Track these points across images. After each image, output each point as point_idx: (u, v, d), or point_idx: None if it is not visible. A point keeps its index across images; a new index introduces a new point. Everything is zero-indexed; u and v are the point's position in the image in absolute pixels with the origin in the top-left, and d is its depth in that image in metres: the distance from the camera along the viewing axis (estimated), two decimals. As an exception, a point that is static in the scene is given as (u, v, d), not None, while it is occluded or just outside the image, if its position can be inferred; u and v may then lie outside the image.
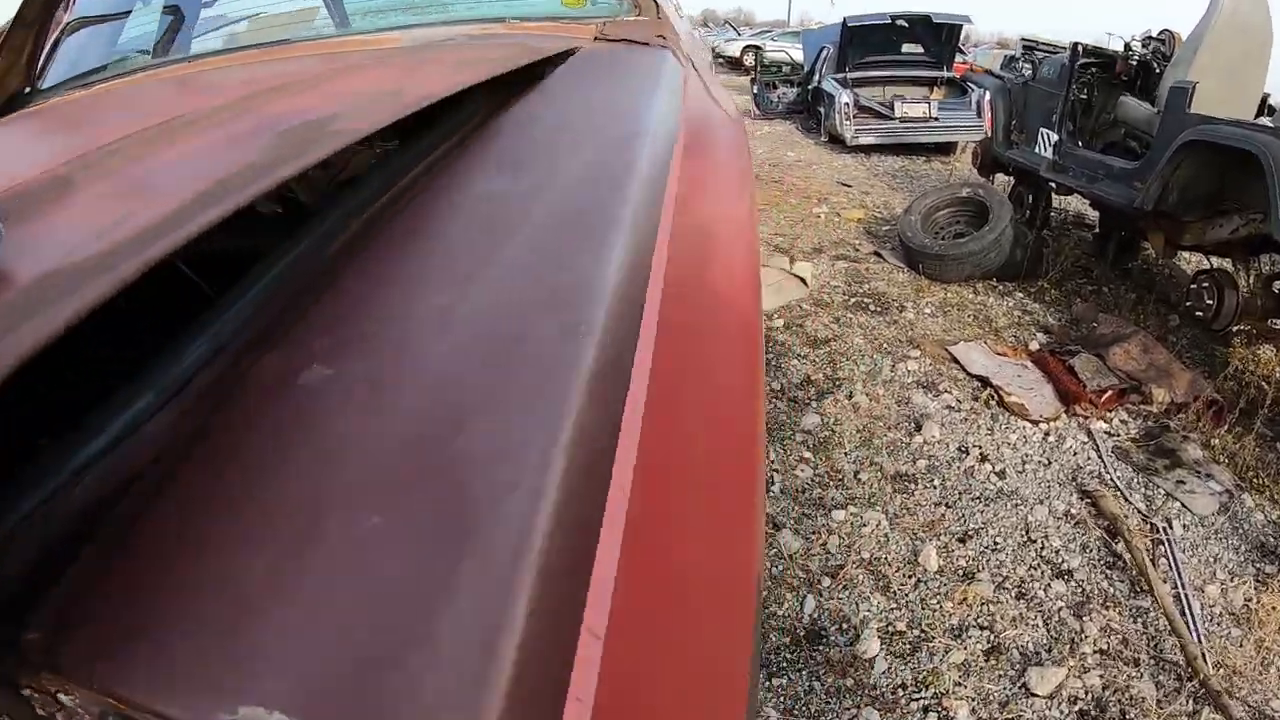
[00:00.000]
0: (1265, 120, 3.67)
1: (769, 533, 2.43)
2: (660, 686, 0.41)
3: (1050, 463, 2.85)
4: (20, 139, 1.13)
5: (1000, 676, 1.93)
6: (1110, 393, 3.19)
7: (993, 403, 3.23)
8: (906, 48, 9.69)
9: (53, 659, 0.33)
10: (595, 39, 1.64)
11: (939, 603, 2.17)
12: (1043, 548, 2.41)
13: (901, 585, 2.24)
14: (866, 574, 2.28)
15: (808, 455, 2.87)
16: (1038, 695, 1.88)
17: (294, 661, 0.32)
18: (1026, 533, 2.47)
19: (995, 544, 2.42)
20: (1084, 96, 4.60)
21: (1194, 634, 2.04)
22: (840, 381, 3.42)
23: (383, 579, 0.34)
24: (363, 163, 1.05)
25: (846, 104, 8.83)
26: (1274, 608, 2.14)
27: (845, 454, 2.88)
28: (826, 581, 2.25)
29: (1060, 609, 2.15)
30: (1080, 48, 4.53)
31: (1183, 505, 2.61)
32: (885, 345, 3.77)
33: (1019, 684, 1.91)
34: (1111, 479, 2.75)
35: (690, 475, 0.56)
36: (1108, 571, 2.31)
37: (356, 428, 0.43)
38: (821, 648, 2.02)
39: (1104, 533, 2.46)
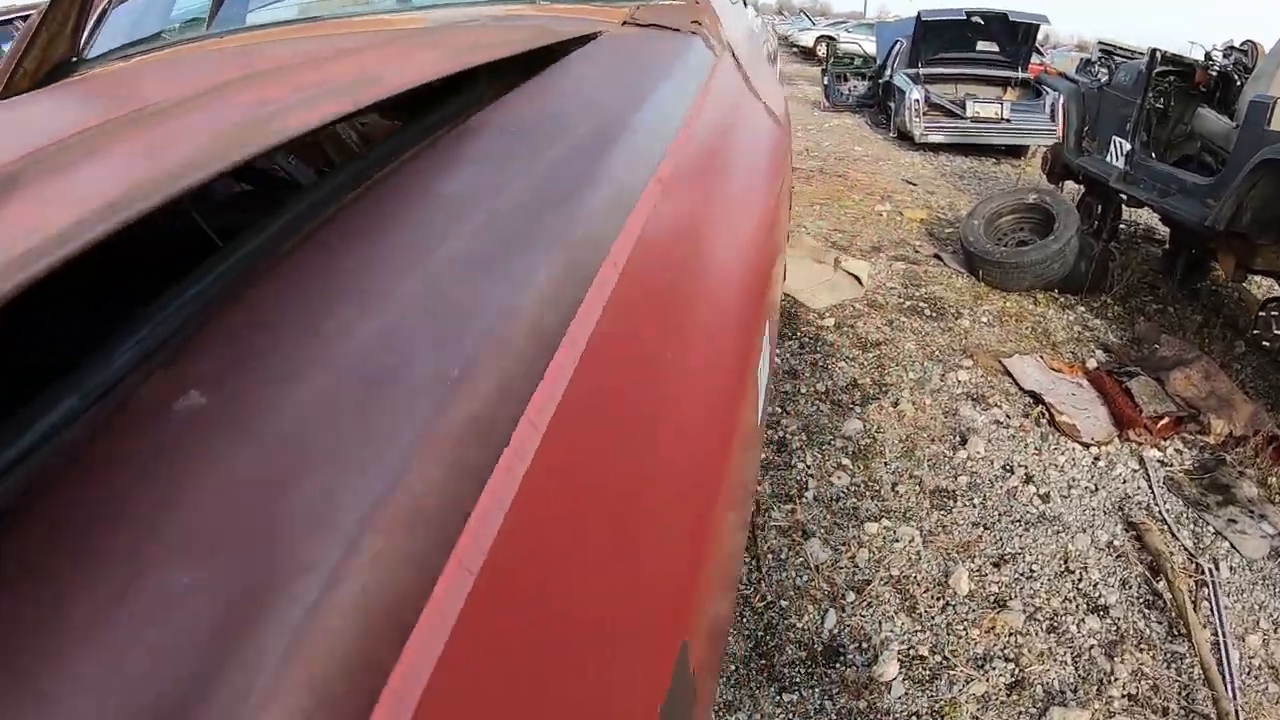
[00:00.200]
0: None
1: (797, 541, 2.43)
2: None
3: (1097, 489, 2.77)
4: (25, 116, 1.08)
5: (1021, 714, 1.90)
6: (1167, 420, 3.07)
7: (1043, 421, 3.14)
8: (981, 46, 9.33)
9: None
10: (624, 23, 1.57)
11: (965, 629, 2.14)
12: (1080, 579, 2.36)
13: (929, 607, 2.22)
14: (893, 592, 2.27)
15: (846, 462, 2.84)
16: (1059, 735, 1.85)
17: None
18: (1065, 562, 2.42)
19: (1031, 571, 2.38)
20: (1160, 106, 4.38)
21: (1229, 687, 1.98)
22: (887, 388, 3.36)
23: (173, 648, 0.33)
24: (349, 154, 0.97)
25: (917, 100, 8.56)
26: (1320, 665, 2.07)
27: (885, 464, 2.85)
28: (851, 596, 2.24)
29: (1092, 646, 2.11)
30: (1159, 54, 4.29)
31: (1232, 545, 2.52)
32: (937, 353, 3.68)
33: (1040, 721, 1.89)
34: (1160, 512, 2.66)
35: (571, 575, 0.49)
36: (1146, 611, 2.25)
37: (200, 471, 0.41)
38: (838, 666, 2.01)
39: (1146, 569, 2.40)
